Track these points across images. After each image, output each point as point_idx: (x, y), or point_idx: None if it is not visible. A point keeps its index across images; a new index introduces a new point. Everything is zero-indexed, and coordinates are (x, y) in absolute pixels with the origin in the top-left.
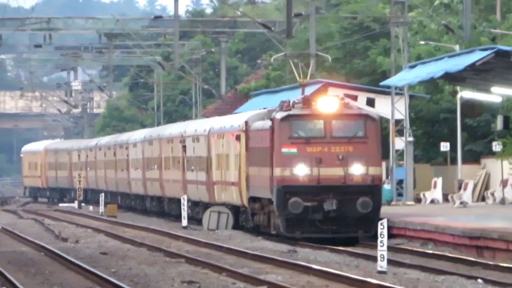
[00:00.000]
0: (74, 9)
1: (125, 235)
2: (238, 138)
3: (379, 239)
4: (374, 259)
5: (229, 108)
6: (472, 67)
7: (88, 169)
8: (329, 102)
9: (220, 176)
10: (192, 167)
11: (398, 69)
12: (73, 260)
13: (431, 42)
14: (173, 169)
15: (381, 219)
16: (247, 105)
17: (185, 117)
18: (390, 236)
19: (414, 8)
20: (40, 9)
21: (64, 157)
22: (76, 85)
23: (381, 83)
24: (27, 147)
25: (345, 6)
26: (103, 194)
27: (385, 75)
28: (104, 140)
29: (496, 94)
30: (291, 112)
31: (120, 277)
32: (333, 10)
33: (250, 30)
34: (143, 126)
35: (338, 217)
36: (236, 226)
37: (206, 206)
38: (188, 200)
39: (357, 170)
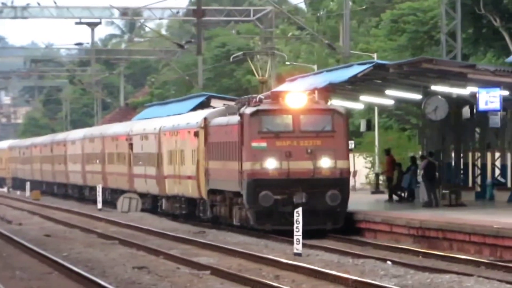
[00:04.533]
0: None
1: (55, 217)
2: (196, 134)
3: (295, 224)
4: (280, 239)
5: (122, 117)
6: (354, 77)
7: (25, 163)
8: (297, 97)
9: (173, 171)
10: (140, 162)
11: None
12: (26, 244)
13: (295, 63)
14: (118, 164)
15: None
16: (143, 114)
17: (87, 125)
18: None
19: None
20: None
21: (16, 153)
22: (6, 99)
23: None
24: None
25: (216, 38)
26: (29, 182)
27: (247, 91)
28: (39, 139)
29: (362, 102)
30: (260, 107)
31: (74, 261)
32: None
33: (143, 56)
34: (54, 131)
35: (308, 209)
36: (192, 217)
37: (155, 197)
38: (135, 191)
39: (325, 163)
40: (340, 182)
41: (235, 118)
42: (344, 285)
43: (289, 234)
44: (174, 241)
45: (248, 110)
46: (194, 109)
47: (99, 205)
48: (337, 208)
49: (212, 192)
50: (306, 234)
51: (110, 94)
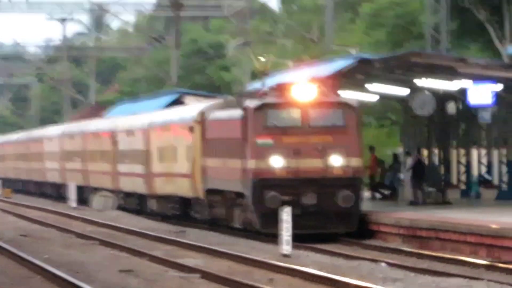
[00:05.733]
0: None
1: (29, 215)
2: (191, 129)
3: (284, 225)
4: (264, 239)
5: (91, 115)
6: (338, 72)
7: None
8: (306, 90)
9: (165, 168)
10: (126, 160)
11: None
12: (3, 245)
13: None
14: (101, 162)
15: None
16: (115, 111)
17: (56, 123)
18: None
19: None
20: None
21: None
22: None
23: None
24: None
25: (187, 34)
26: (1, 180)
27: (219, 88)
28: (14, 137)
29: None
30: (265, 101)
31: (56, 264)
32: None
33: (113, 53)
34: (23, 129)
35: (318, 212)
36: (187, 217)
37: (143, 197)
38: (119, 191)
39: (337, 161)
40: (353, 181)
41: (237, 112)
42: None
43: (298, 239)
44: (156, 241)
45: (252, 103)
46: (168, 106)
47: (73, 204)
48: (350, 210)
49: (209, 191)
50: (316, 239)
51: (78, 92)
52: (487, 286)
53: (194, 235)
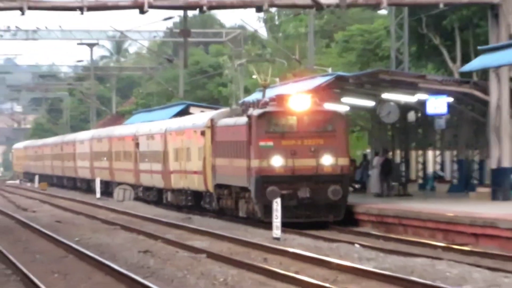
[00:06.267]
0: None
1: (62, 205)
2: (202, 133)
3: (274, 213)
4: (257, 225)
5: (112, 123)
6: (318, 86)
7: (37, 160)
8: (301, 100)
9: (179, 166)
10: (146, 160)
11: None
12: (42, 229)
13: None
14: (124, 161)
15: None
16: (132, 119)
17: (84, 129)
18: None
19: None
20: None
21: (30, 152)
22: (18, 108)
23: (240, 101)
24: (15, 146)
25: (190, 56)
26: (37, 175)
27: (217, 101)
28: (50, 140)
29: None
30: (267, 109)
31: (86, 246)
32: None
33: (131, 72)
34: (56, 134)
35: (311, 203)
36: (198, 207)
37: (160, 190)
38: (140, 186)
39: (327, 161)
40: (341, 178)
41: (243, 119)
42: (327, 268)
43: (294, 226)
44: (167, 226)
45: (256, 112)
46: (176, 115)
47: (98, 195)
48: (338, 202)
49: (218, 186)
50: (309, 226)
51: (102, 104)
52: (448, 265)
53: (198, 221)
